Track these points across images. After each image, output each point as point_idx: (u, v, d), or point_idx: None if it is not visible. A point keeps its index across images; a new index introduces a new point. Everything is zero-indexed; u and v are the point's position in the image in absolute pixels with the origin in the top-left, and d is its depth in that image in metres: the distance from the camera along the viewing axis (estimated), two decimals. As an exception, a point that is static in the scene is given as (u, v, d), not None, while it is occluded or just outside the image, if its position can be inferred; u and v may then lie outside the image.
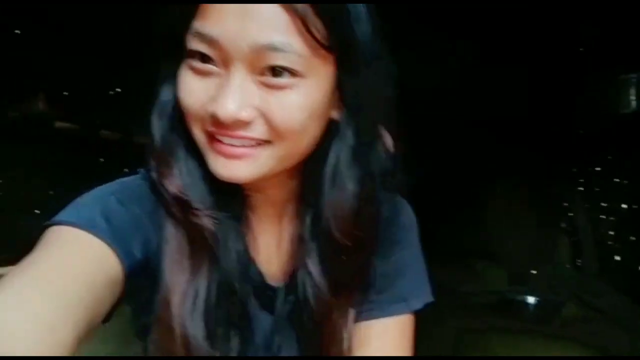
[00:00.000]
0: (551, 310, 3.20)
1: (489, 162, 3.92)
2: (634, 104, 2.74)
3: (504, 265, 3.90)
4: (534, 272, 4.05)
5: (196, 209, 0.55)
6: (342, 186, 0.55)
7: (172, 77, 0.55)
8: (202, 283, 0.54)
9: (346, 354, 0.59)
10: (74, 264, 0.46)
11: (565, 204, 4.07)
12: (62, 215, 0.51)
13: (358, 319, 0.60)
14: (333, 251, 0.57)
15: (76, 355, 0.43)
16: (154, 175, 0.56)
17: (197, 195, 0.55)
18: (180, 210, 0.55)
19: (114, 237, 0.50)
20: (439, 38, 3.64)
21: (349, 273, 0.58)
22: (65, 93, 3.83)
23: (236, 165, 0.52)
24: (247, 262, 0.59)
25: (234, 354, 0.57)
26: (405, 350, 0.62)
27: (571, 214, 3.99)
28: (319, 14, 0.48)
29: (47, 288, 0.42)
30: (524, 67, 3.72)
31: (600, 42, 3.37)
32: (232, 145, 0.52)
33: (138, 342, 0.61)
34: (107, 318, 0.52)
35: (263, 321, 0.61)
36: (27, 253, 0.47)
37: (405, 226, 0.64)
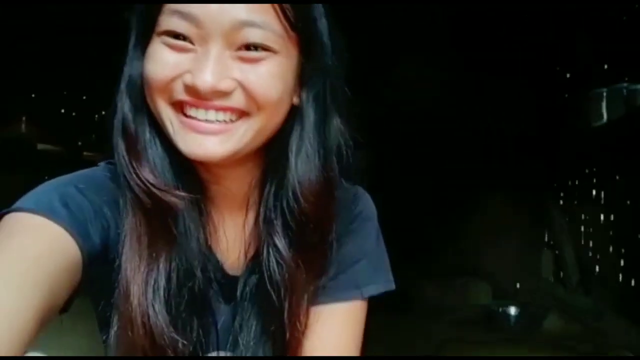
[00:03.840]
0: (533, 321, 3.23)
1: (472, 179, 3.99)
2: (605, 116, 2.84)
3: (489, 279, 3.93)
4: (518, 285, 4.10)
5: (163, 189, 0.55)
6: (307, 157, 0.58)
7: (138, 59, 0.56)
8: (162, 272, 0.55)
9: (303, 331, 0.61)
10: (33, 249, 0.47)
11: (547, 218, 4.15)
12: (20, 203, 0.51)
13: (312, 303, 0.62)
14: (298, 223, 0.59)
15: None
16: (120, 155, 0.56)
17: (162, 184, 0.56)
18: (145, 192, 0.55)
19: (73, 222, 0.51)
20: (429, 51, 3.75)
21: (313, 245, 0.60)
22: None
23: (211, 142, 0.53)
24: (207, 253, 0.61)
25: (195, 341, 0.59)
26: (355, 335, 0.64)
27: (553, 228, 4.07)
28: None
29: (5, 273, 0.43)
30: (502, 85, 3.84)
31: (575, 61, 3.51)
32: (207, 120, 0.53)
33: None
34: (66, 307, 0.52)
35: (223, 309, 0.63)
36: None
37: (362, 216, 0.66)
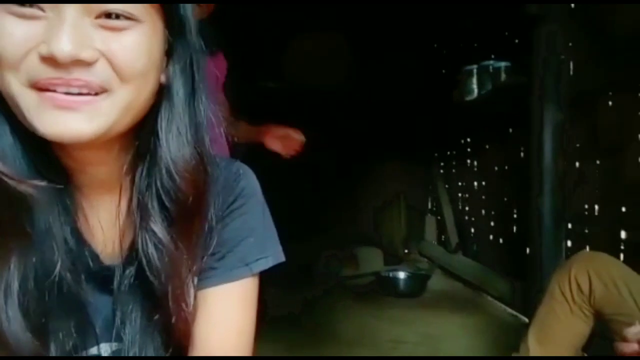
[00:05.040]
0: (419, 283, 3.51)
1: (361, 151, 4.16)
2: (475, 91, 3.10)
3: (381, 247, 4.17)
4: (406, 251, 4.41)
5: (15, 178, 0.50)
6: (178, 133, 0.56)
7: None
8: (15, 273, 0.51)
9: (191, 314, 0.60)
10: None
11: (430, 186, 4.48)
12: None
13: (202, 285, 0.61)
14: (174, 202, 0.57)
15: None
16: None
17: (14, 173, 0.51)
18: None
19: None
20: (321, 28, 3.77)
21: (190, 224, 0.59)
22: None
23: (73, 118, 0.48)
24: (77, 245, 0.57)
25: (71, 340, 0.56)
26: (248, 313, 0.64)
27: (435, 195, 4.41)
28: None
29: None
30: (389, 60, 4.03)
31: (452, 40, 3.78)
32: (68, 93, 0.48)
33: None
34: None
35: (101, 304, 0.60)
36: None
37: (244, 192, 0.65)
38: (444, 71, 4.05)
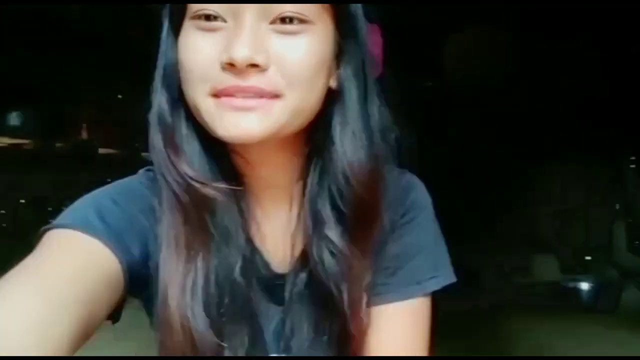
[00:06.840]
0: (611, 296, 3.10)
1: (538, 148, 3.86)
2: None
3: (557, 253, 3.81)
4: (589, 258, 3.95)
5: (202, 182, 0.54)
6: (353, 136, 0.55)
7: (171, 49, 0.55)
8: (200, 272, 0.54)
9: (367, 327, 0.58)
10: (69, 263, 0.47)
11: (621, 181, 3.95)
12: (58, 219, 0.52)
13: (372, 302, 0.59)
14: (350, 207, 0.56)
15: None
16: (157, 150, 0.55)
17: (200, 177, 0.54)
18: (183, 187, 0.54)
19: (110, 235, 0.51)
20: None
21: (365, 231, 0.57)
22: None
23: (248, 119, 0.50)
24: (251, 251, 0.58)
25: (243, 349, 0.56)
26: (419, 334, 0.61)
27: (625, 194, 3.88)
28: None
29: (40, 287, 0.43)
30: (577, 47, 3.66)
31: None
32: (244, 97, 0.50)
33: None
34: (117, 318, 0.53)
35: (274, 312, 0.60)
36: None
37: (417, 205, 0.62)
38: (633, 51, 3.52)
